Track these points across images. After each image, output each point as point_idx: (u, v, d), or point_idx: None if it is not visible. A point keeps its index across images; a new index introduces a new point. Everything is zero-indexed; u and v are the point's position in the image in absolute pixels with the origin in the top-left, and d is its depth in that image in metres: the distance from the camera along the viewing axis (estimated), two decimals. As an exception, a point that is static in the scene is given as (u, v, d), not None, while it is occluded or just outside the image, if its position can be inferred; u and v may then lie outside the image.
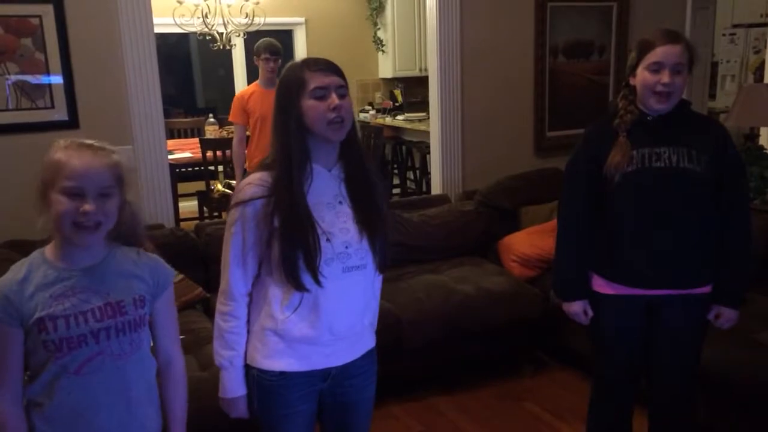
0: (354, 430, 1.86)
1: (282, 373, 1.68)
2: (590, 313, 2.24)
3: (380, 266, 1.74)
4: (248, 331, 1.71)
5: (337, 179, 1.69)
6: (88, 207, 1.42)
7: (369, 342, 1.82)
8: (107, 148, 1.50)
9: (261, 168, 1.66)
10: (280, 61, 4.33)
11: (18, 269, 1.49)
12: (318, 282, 1.61)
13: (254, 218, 1.61)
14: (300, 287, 1.62)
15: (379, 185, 1.77)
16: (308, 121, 1.61)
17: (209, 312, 3.15)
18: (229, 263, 1.66)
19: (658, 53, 2.03)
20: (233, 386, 1.71)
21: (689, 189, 2.06)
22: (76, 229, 1.44)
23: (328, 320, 1.66)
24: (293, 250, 1.59)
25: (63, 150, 1.45)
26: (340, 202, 1.68)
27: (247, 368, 1.71)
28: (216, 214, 5.51)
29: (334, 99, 1.60)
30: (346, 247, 1.65)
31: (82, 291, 1.48)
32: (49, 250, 1.51)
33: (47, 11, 3.15)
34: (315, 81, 1.60)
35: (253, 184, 1.63)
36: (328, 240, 1.62)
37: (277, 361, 1.68)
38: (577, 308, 2.24)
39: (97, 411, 1.50)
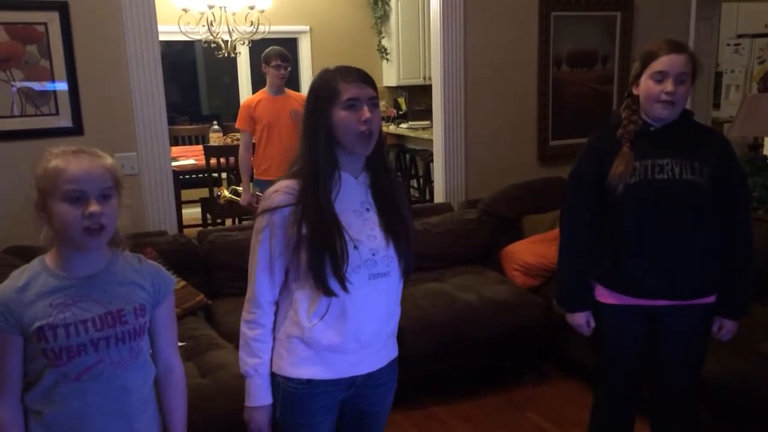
0: None
1: (309, 381, 1.68)
2: (593, 324, 2.23)
3: (404, 273, 1.75)
4: (273, 339, 1.70)
5: (364, 186, 1.70)
6: (93, 208, 1.41)
7: (393, 351, 1.83)
8: (100, 152, 1.50)
9: (288, 175, 1.66)
10: (289, 68, 4.35)
11: (18, 276, 1.48)
12: (345, 288, 1.61)
13: (282, 226, 1.62)
14: (328, 292, 1.61)
15: (402, 193, 1.80)
16: (338, 132, 1.61)
17: (210, 319, 3.16)
18: (256, 270, 1.66)
19: (663, 62, 2.03)
20: (259, 395, 1.69)
21: (691, 201, 2.05)
22: (85, 235, 1.43)
23: (354, 327, 1.66)
24: (321, 258, 1.59)
25: (58, 157, 1.44)
26: (367, 209, 1.68)
27: (272, 376, 1.70)
28: (219, 221, 5.51)
29: (365, 112, 1.59)
30: (373, 255, 1.66)
31: (82, 300, 1.47)
32: (49, 258, 1.50)
33: (53, 18, 3.17)
34: (348, 92, 1.59)
35: (281, 191, 1.63)
36: (355, 247, 1.63)
37: (304, 368, 1.67)
38: (579, 319, 2.24)
39: (96, 419, 1.49)
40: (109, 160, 1.49)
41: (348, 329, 1.66)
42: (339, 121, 1.60)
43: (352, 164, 1.67)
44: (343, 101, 1.59)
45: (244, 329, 1.70)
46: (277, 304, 1.70)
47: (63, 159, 1.44)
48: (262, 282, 1.66)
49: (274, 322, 1.70)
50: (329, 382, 1.69)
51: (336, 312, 1.65)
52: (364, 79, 1.63)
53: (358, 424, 1.82)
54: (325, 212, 1.60)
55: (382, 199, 1.70)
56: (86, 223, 1.41)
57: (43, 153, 1.47)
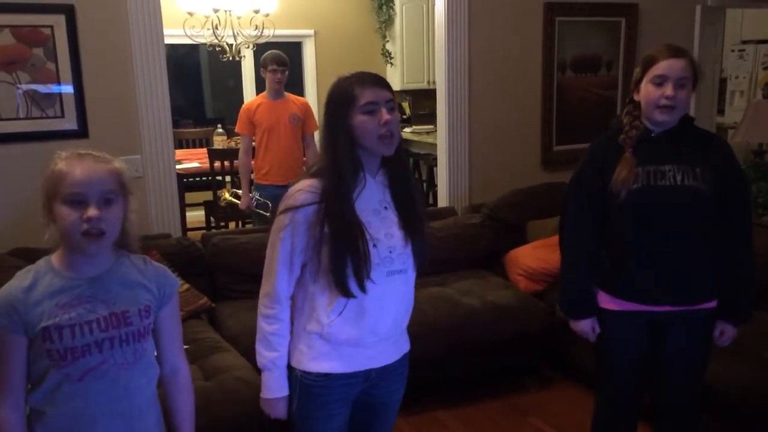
0: (378, 429, 1.91)
1: (326, 375, 1.72)
2: (598, 330, 2.23)
3: (419, 268, 1.79)
4: (291, 333, 1.74)
5: (381, 186, 1.74)
6: (91, 212, 1.41)
7: (406, 344, 1.88)
8: (108, 156, 1.50)
9: (309, 175, 1.70)
10: (287, 72, 4.34)
11: (24, 276, 1.48)
12: (363, 288, 1.65)
13: (305, 224, 1.65)
14: (347, 293, 1.65)
15: (418, 191, 1.84)
16: (359, 136, 1.65)
17: (214, 322, 3.16)
18: (277, 267, 1.69)
19: (662, 66, 2.03)
20: (276, 387, 1.73)
21: (693, 207, 2.05)
22: (84, 239, 1.43)
23: (372, 322, 1.71)
24: (343, 256, 1.63)
25: (64, 160, 1.46)
26: (386, 208, 1.73)
27: (291, 369, 1.75)
28: (223, 224, 5.52)
29: (384, 114, 1.63)
30: (390, 252, 1.70)
31: (87, 301, 1.48)
32: (55, 258, 1.50)
33: (59, 21, 3.18)
34: (366, 96, 1.64)
35: (304, 190, 1.67)
36: (374, 246, 1.67)
37: (322, 363, 1.72)
38: (584, 326, 2.23)
39: (98, 420, 1.49)
40: (115, 164, 1.49)
41: (366, 325, 1.71)
42: (359, 125, 1.64)
43: (370, 164, 1.72)
44: (361, 106, 1.63)
45: (263, 324, 1.73)
46: (293, 299, 1.74)
47: (68, 162, 1.45)
48: (282, 278, 1.69)
49: (292, 318, 1.74)
50: (346, 376, 1.74)
51: (354, 308, 1.69)
52: (380, 82, 1.68)
53: (369, 415, 1.86)
54: (348, 212, 1.64)
55: (400, 197, 1.74)
56: (85, 227, 1.42)
57: (52, 156, 1.48)
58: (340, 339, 1.70)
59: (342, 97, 1.66)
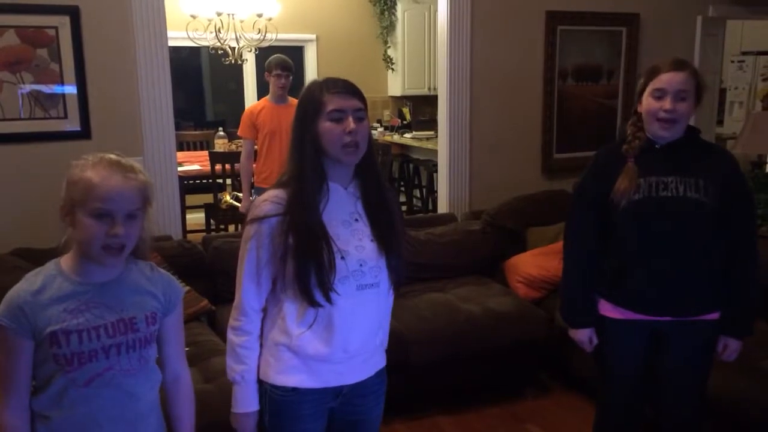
0: None
1: (294, 390, 1.68)
2: (595, 341, 2.23)
3: (395, 284, 1.74)
4: (261, 346, 1.71)
5: (354, 197, 1.70)
6: (117, 230, 1.42)
7: (380, 361, 1.82)
8: (135, 167, 1.48)
9: (277, 185, 1.67)
10: (291, 77, 4.36)
11: (33, 280, 1.48)
12: (329, 299, 1.61)
13: (269, 235, 1.62)
14: (313, 303, 1.61)
15: (395, 203, 1.79)
16: (323, 143, 1.61)
17: (214, 325, 3.16)
18: (243, 279, 1.67)
19: (662, 80, 2.04)
20: (245, 401, 1.70)
21: (694, 219, 2.05)
22: (104, 252, 1.44)
23: (342, 338, 1.66)
24: (306, 268, 1.59)
25: (93, 169, 1.43)
26: (356, 220, 1.68)
27: (259, 383, 1.71)
28: (222, 226, 5.53)
29: (350, 123, 1.60)
30: (361, 265, 1.65)
31: (96, 306, 1.48)
32: (65, 262, 1.50)
33: (64, 23, 3.19)
34: (333, 103, 1.60)
35: (269, 200, 1.64)
36: (342, 258, 1.62)
37: (290, 376, 1.68)
38: (582, 336, 2.23)
39: (102, 425, 1.49)
40: (141, 177, 1.48)
41: (335, 340, 1.66)
42: (324, 132, 1.60)
43: (341, 174, 1.68)
44: (327, 113, 1.60)
45: (231, 336, 1.70)
46: (264, 311, 1.71)
47: (97, 172, 1.43)
48: (248, 290, 1.67)
49: (262, 329, 1.71)
50: (315, 391, 1.69)
51: (324, 322, 1.65)
52: (350, 90, 1.64)
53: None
54: (313, 223, 1.60)
55: (373, 209, 1.70)
56: (107, 241, 1.42)
57: (80, 158, 1.47)
58: (309, 353, 1.66)
59: (310, 103, 1.63)
